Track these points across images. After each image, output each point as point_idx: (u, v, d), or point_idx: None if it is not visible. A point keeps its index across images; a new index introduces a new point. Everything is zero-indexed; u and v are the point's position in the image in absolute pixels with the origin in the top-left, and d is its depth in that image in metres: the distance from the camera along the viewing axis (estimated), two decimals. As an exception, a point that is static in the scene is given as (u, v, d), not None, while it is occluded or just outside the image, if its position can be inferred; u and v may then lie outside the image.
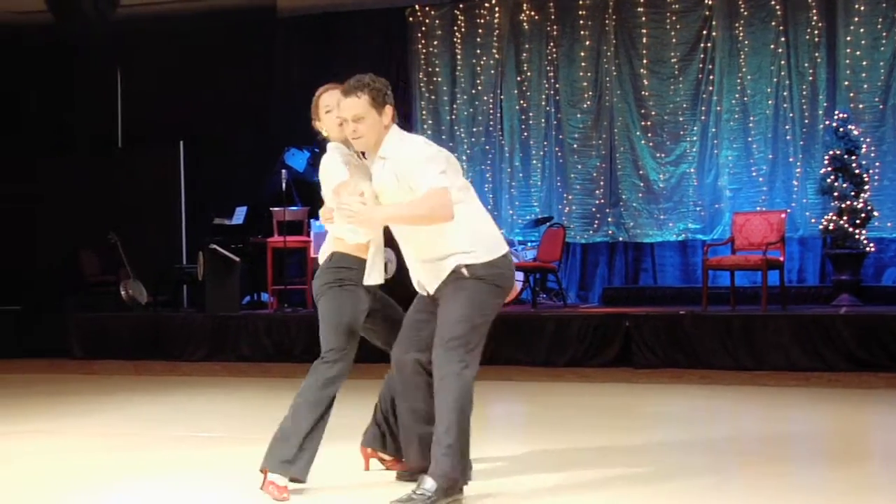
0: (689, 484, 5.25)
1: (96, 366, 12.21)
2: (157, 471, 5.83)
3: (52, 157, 16.64)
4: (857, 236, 13.10)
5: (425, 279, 5.26)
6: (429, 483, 4.85)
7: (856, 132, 13.51)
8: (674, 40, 14.90)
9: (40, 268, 16.29)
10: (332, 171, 5.33)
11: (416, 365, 5.26)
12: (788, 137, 14.31)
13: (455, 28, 15.89)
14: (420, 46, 16.02)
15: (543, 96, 15.51)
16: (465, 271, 5.08)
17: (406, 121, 15.79)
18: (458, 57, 15.89)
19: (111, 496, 5.33)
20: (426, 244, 5.17)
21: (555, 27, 15.44)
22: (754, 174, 14.42)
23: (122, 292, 14.60)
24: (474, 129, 15.75)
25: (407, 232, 5.23)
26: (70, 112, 16.73)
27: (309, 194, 14.26)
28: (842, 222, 13.19)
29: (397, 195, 5.12)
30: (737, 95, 14.59)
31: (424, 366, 5.23)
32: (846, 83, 14.02)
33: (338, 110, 5.27)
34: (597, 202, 15.07)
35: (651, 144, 14.90)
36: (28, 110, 17.11)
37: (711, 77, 14.72)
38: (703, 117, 14.73)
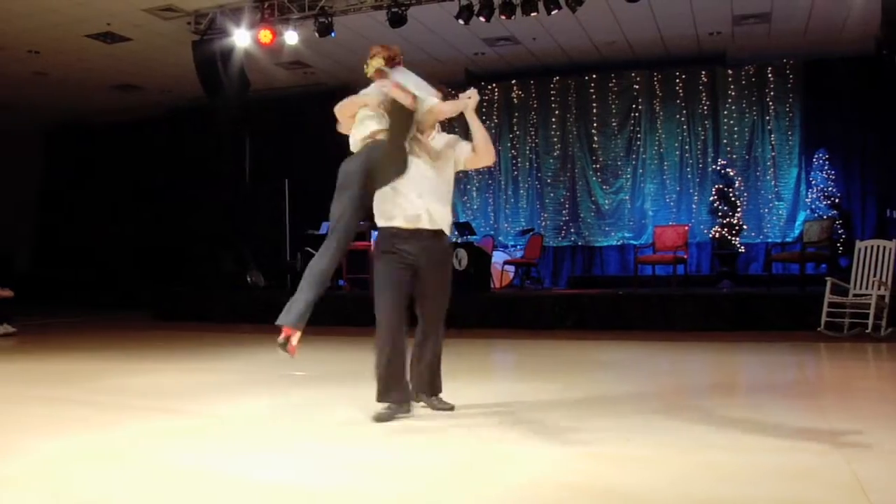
0: (617, 403, 5.25)
1: (230, 328, 12.03)
2: (265, 388, 5.73)
3: (205, 188, 16.99)
4: (733, 242, 13.37)
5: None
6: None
7: (732, 173, 13.86)
8: (614, 111, 15.14)
9: (195, 259, 16.58)
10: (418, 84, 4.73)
11: None
12: (689, 176, 14.55)
13: (468, 103, 16.08)
14: (445, 115, 16.21)
15: (527, 148, 15.70)
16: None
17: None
18: (471, 122, 16.09)
19: (251, 404, 5.23)
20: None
21: (535, 102, 15.65)
22: (667, 200, 14.62)
23: (248, 278, 14.78)
24: (482, 170, 15.92)
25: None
26: (215, 159, 17.02)
27: (371, 214, 14.43)
28: (724, 232, 13.45)
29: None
30: (656, 147, 14.81)
31: None
32: (724, 141, 14.34)
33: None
34: (564, 219, 15.26)
35: (600, 180, 15.09)
36: (186, 157, 17.48)
37: (639, 135, 14.94)
38: (634, 162, 14.94)
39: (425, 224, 4.70)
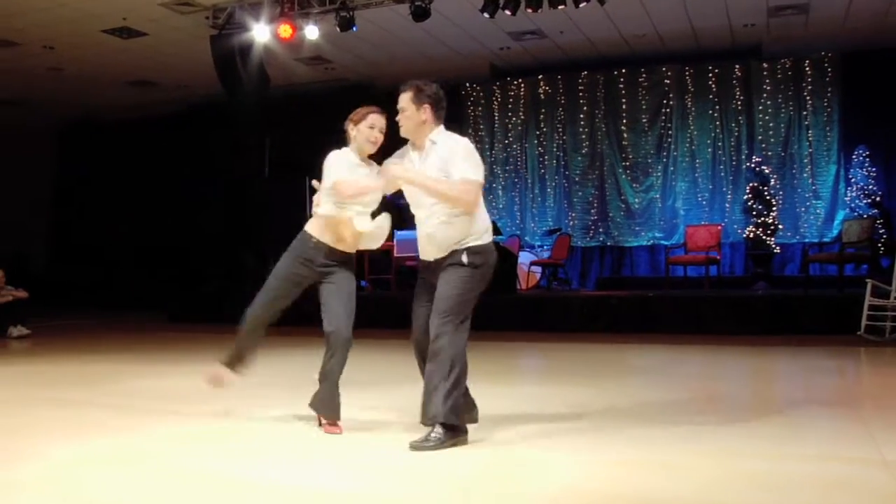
0: (646, 408, 5.25)
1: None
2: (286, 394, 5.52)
3: (223, 186, 17.13)
4: (768, 242, 13.27)
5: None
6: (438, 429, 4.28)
7: (767, 171, 13.75)
8: (644, 106, 15.08)
9: (213, 258, 16.67)
10: (333, 168, 4.68)
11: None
12: (722, 174, 14.46)
13: (493, 98, 16.11)
14: (469, 111, 16.26)
15: (555, 145, 15.67)
16: (464, 258, 4.47)
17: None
18: (496, 118, 16.10)
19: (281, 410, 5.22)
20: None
21: (562, 97, 15.63)
22: (700, 199, 14.55)
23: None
24: (507, 168, 15.96)
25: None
26: (233, 156, 17.12)
27: (394, 213, 14.47)
28: (758, 232, 13.35)
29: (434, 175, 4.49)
30: (687, 144, 14.73)
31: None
32: (759, 138, 14.22)
33: (378, 132, 4.73)
34: (592, 218, 15.23)
35: (629, 178, 15.04)
36: (204, 155, 17.62)
37: (670, 132, 14.87)
38: (664, 160, 14.87)
39: (430, 258, 4.69)
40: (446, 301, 4.47)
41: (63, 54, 14.24)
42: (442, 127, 4.64)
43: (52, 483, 3.73)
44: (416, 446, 4.25)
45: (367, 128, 4.75)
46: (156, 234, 18.31)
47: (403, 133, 4.68)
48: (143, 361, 8.39)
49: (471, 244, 4.56)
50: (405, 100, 4.59)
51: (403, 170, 4.60)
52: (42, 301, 13.77)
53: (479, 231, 4.59)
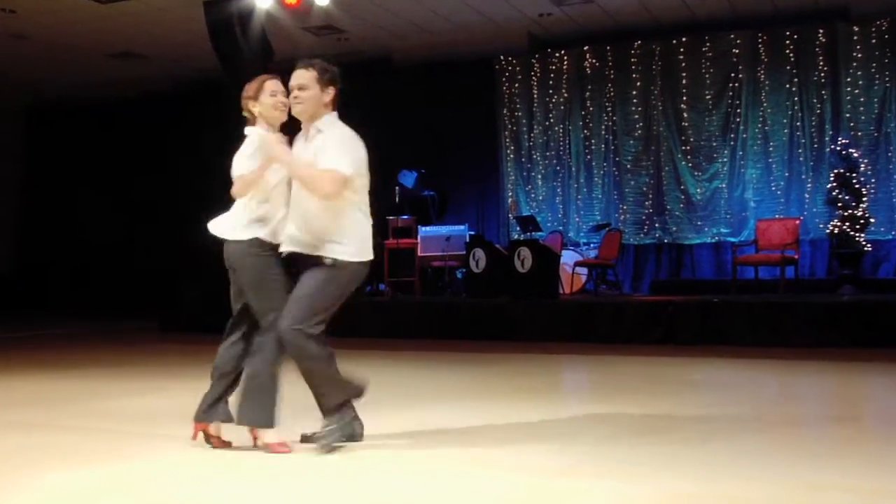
0: (709, 431, 5.19)
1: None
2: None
3: (221, 175, 17.11)
4: (857, 239, 13.07)
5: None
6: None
7: (855, 154, 13.51)
8: (708, 81, 14.95)
9: (207, 260, 16.69)
10: (243, 159, 4.96)
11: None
12: (801, 159, 14.28)
13: (532, 73, 16.04)
14: (504, 88, 16.20)
15: (603, 127, 15.59)
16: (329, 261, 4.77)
17: (492, 147, 15.99)
18: (535, 96, 16.03)
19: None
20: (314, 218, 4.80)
21: (612, 72, 15.54)
22: (774, 188, 14.40)
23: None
24: (547, 154, 15.88)
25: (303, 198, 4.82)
26: (232, 140, 17.14)
27: (417, 206, 14.47)
28: (845, 227, 13.15)
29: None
30: (759, 125, 14.59)
31: None
32: (847, 115, 14.00)
33: (281, 95, 4.93)
34: (646, 211, 15.13)
35: (690, 165, 14.93)
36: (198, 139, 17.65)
37: (738, 110, 14.73)
38: (732, 143, 14.73)
39: None
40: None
41: (28, 19, 14.14)
42: (335, 115, 4.97)
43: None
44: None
45: (269, 97, 4.94)
46: (141, 227, 18.38)
47: (298, 113, 4.93)
48: (125, 378, 8.41)
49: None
50: (308, 78, 4.85)
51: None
52: (7, 306, 13.84)
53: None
